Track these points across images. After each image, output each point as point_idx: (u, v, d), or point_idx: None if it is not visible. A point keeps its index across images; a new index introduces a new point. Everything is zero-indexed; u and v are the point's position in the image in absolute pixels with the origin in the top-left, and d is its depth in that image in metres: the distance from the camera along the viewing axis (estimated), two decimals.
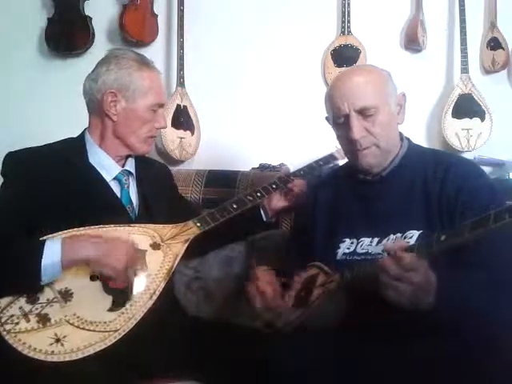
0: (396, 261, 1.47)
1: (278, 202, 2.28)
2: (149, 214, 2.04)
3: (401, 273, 1.46)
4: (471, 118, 3.28)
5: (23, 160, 1.94)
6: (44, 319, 1.63)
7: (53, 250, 1.66)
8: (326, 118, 2.03)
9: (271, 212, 2.29)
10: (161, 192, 2.16)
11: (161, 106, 2.07)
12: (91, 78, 2.01)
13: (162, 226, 1.96)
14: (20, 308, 1.64)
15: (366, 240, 1.86)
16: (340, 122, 1.89)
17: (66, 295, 1.69)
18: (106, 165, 2.01)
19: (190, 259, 2.41)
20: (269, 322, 1.88)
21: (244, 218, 2.20)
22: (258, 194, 2.19)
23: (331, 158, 2.45)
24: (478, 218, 1.40)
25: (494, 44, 3.33)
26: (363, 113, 1.84)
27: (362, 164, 1.91)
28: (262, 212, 2.28)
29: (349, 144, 1.90)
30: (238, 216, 2.12)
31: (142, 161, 2.16)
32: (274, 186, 2.23)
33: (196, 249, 2.05)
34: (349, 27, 3.36)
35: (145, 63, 2.03)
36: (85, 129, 2.08)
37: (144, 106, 2.00)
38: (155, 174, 2.21)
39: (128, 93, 1.97)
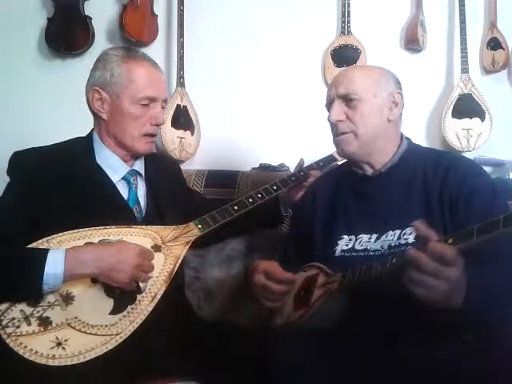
0: (433, 254, 1.38)
1: (295, 194, 2.30)
2: (159, 213, 2.03)
3: (439, 268, 1.38)
4: (471, 118, 3.28)
5: (29, 160, 1.93)
6: (45, 322, 1.63)
7: (55, 261, 1.65)
8: None
9: (289, 205, 2.33)
10: (171, 190, 2.15)
11: (152, 99, 1.99)
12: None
13: (163, 227, 1.95)
14: (21, 311, 1.64)
15: (365, 236, 1.87)
16: (327, 108, 1.98)
17: (68, 298, 1.68)
18: (113, 165, 2.00)
19: (208, 245, 2.45)
20: (275, 302, 1.90)
21: (262, 211, 2.22)
22: (259, 196, 2.18)
23: (331, 158, 2.46)
24: (488, 221, 1.37)
25: (494, 44, 3.34)
26: (346, 99, 1.91)
27: (338, 151, 2.00)
28: (280, 205, 2.33)
29: (331, 131, 1.98)
30: (256, 208, 2.15)
31: (150, 159, 2.14)
32: (274, 188, 2.24)
33: (212, 238, 2.15)
34: (349, 27, 3.37)
35: (130, 56, 1.98)
36: (93, 128, 2.06)
37: (128, 99, 1.95)
38: (165, 172, 2.20)
39: (110, 88, 1.95)
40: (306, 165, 2.40)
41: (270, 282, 1.88)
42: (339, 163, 2.38)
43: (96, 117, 2.01)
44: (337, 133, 1.94)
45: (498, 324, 1.54)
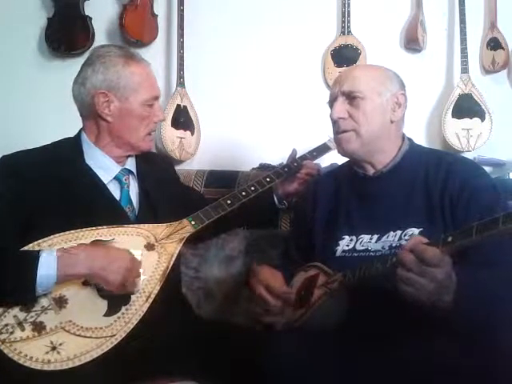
0: (418, 255, 1.43)
1: (289, 186, 2.30)
2: (152, 212, 2.03)
3: (422, 268, 1.42)
4: (471, 118, 3.27)
5: (17, 163, 1.92)
6: (39, 327, 1.62)
7: (48, 262, 1.64)
8: None
9: (284, 196, 2.32)
10: (164, 187, 2.14)
11: (156, 98, 2.03)
12: (79, 82, 2.00)
13: (156, 225, 1.94)
14: (14, 316, 1.63)
15: (366, 237, 1.87)
16: (330, 105, 1.96)
17: (61, 302, 1.67)
18: (105, 165, 1.99)
19: (202, 241, 2.44)
20: (273, 317, 1.89)
21: (256, 203, 2.22)
22: (252, 189, 2.19)
23: (325, 147, 2.46)
24: (487, 219, 1.37)
25: (494, 44, 3.34)
26: (349, 96, 1.90)
27: (339, 150, 1.98)
28: (274, 197, 2.31)
29: (333, 128, 1.96)
30: (250, 201, 2.15)
31: (142, 157, 2.13)
32: (268, 180, 2.25)
33: (207, 231, 2.12)
34: (349, 27, 3.36)
35: (131, 57, 1.99)
36: (81, 129, 2.05)
37: (138, 102, 1.97)
38: (157, 170, 2.19)
39: (119, 91, 1.95)
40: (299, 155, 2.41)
41: (268, 296, 1.88)
42: (340, 163, 2.39)
43: (96, 120, 1.99)
44: (338, 130, 1.93)
45: (493, 324, 1.54)
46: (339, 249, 1.90)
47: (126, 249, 1.80)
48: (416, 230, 1.77)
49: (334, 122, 1.94)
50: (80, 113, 2.04)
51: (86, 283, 1.72)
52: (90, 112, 1.99)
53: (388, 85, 1.93)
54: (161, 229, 1.94)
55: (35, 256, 1.66)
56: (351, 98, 1.90)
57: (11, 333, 1.60)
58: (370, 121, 1.89)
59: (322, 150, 2.46)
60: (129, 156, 2.06)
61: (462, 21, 3.25)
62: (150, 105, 2.00)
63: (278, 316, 1.89)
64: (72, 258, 1.69)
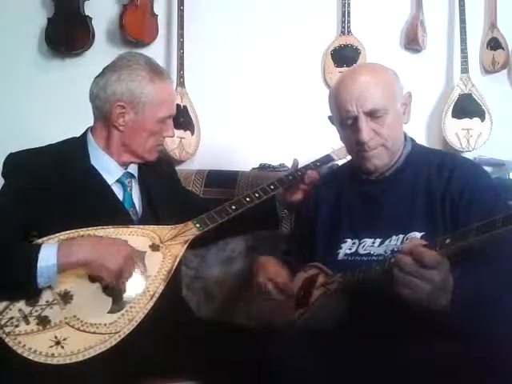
0: (415, 257, 1.43)
1: (292, 195, 2.28)
2: (154, 215, 2.04)
3: (420, 270, 1.42)
4: (471, 118, 3.29)
5: (24, 161, 1.93)
6: (44, 321, 1.63)
7: (49, 252, 1.65)
8: (330, 118, 2.01)
9: (286, 205, 2.31)
10: (165, 191, 2.15)
11: (170, 117, 2.04)
12: (100, 86, 1.97)
13: (161, 226, 1.95)
14: (20, 310, 1.64)
15: (368, 241, 1.85)
16: (348, 123, 1.87)
17: (66, 297, 1.68)
18: (109, 167, 2.00)
19: (204, 246, 2.45)
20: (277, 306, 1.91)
21: (258, 211, 2.19)
22: (256, 195, 2.16)
23: (328, 159, 2.45)
24: (486, 221, 1.38)
25: (494, 44, 3.35)
26: (372, 114, 1.82)
27: (368, 165, 1.90)
28: (277, 205, 2.30)
29: (355, 145, 1.88)
30: (252, 208, 2.13)
31: None
32: (272, 187, 2.22)
33: (209, 237, 2.11)
34: (349, 27, 3.37)
35: (157, 74, 1.99)
36: (87, 129, 2.05)
37: (153, 118, 1.98)
38: (158, 173, 2.19)
39: (138, 106, 1.95)
40: (303, 165, 2.38)
41: (273, 289, 1.90)
42: (336, 163, 2.39)
43: (108, 125, 1.99)
44: (367, 149, 1.86)
45: (491, 323, 1.54)
46: (341, 252, 1.89)
47: (121, 238, 1.81)
48: (418, 234, 1.74)
49: (361, 142, 1.86)
50: (93, 113, 2.03)
51: (92, 279, 1.73)
52: (103, 117, 1.99)
53: (397, 88, 1.90)
54: (166, 230, 1.94)
55: (36, 248, 1.67)
56: (374, 116, 1.83)
57: (16, 326, 1.61)
58: (394, 132, 1.87)
59: (326, 161, 2.44)
60: (134, 162, 2.07)
61: (462, 21, 3.27)
62: (164, 121, 2.01)
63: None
64: (73, 246, 1.70)
